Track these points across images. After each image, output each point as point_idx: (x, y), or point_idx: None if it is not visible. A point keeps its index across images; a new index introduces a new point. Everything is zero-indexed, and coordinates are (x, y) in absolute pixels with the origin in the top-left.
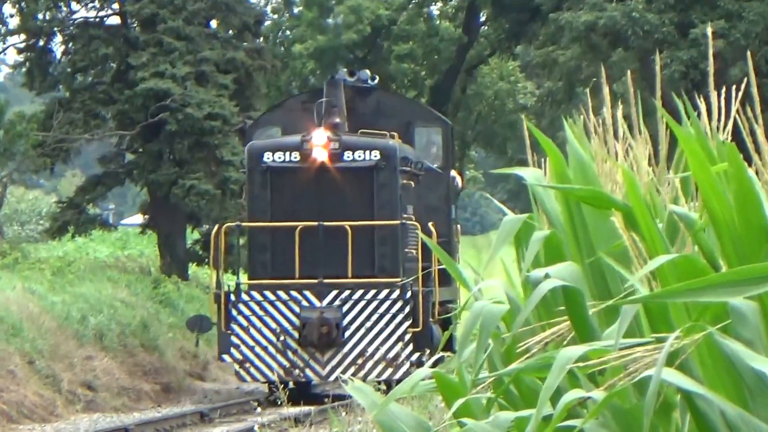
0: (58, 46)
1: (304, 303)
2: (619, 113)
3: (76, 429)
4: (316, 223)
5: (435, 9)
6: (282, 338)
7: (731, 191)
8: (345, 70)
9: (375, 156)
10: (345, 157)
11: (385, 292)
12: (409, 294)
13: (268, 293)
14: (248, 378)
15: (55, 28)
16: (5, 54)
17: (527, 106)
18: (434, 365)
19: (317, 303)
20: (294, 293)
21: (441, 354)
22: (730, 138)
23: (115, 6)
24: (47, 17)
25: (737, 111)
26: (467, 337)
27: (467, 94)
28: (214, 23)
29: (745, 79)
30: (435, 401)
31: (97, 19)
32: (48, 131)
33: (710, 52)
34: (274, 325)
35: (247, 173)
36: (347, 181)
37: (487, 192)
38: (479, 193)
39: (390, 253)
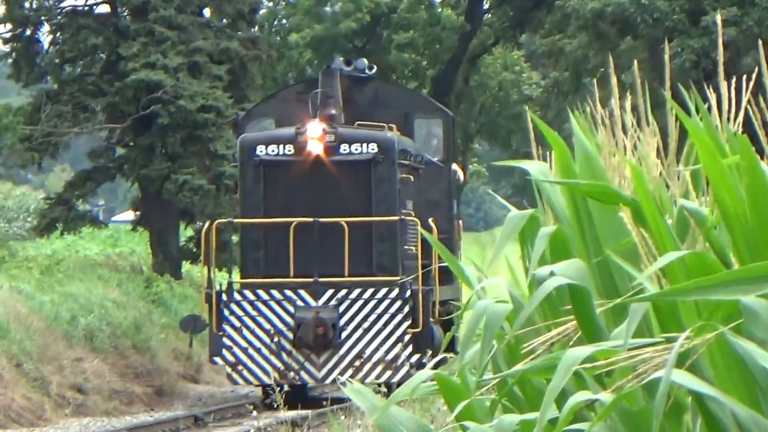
0: (45, 36)
1: (299, 303)
2: (628, 104)
3: None
4: (311, 219)
5: None
6: (276, 339)
7: (743, 185)
8: (341, 59)
9: (372, 149)
10: (341, 150)
11: (383, 291)
12: (408, 293)
13: (261, 292)
14: (241, 381)
15: (43, 17)
16: None
17: (532, 97)
18: (435, 367)
19: (313, 303)
20: (288, 292)
21: (443, 355)
22: (741, 130)
23: None
24: (34, 6)
25: (749, 101)
26: (470, 338)
27: (470, 85)
28: (207, 12)
29: (757, 68)
30: (437, 404)
31: (86, 8)
32: (35, 124)
33: (720, 40)
34: (267, 326)
35: (240, 167)
36: (344, 175)
37: (491, 187)
38: (483, 188)
39: (388, 250)
